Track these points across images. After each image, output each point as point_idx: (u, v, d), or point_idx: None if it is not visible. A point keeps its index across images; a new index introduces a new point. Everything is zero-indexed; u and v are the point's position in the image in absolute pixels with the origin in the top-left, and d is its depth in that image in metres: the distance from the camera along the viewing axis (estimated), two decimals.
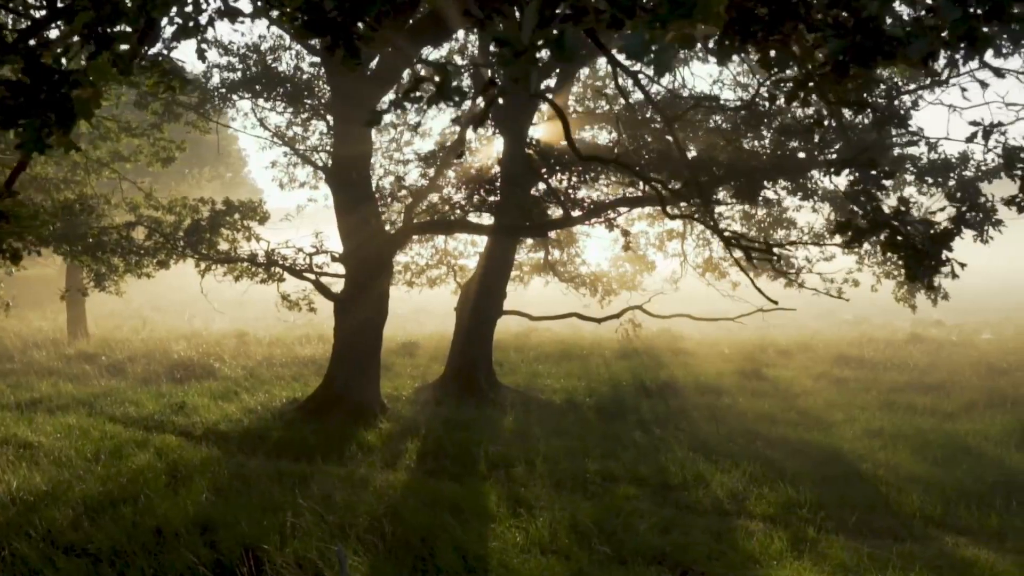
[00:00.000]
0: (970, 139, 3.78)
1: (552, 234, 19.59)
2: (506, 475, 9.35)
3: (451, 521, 7.19)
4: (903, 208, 3.30)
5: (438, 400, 13.57)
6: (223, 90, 13.65)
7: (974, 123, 3.70)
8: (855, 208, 3.64)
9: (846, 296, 14.44)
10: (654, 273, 21.58)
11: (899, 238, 3.25)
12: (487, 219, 13.99)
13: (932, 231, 3.30)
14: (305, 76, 13.27)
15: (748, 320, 23.52)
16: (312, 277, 12.63)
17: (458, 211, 11.86)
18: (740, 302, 17.69)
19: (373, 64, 12.45)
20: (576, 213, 11.98)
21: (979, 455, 10.35)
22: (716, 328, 21.74)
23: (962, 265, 3.52)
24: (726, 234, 7.86)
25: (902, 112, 4.52)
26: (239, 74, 13.51)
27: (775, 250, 11.37)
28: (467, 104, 17.99)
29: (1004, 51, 12.84)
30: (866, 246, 15.73)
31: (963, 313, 29.86)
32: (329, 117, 12.92)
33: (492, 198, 11.16)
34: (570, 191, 11.16)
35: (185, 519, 7.11)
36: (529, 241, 19.70)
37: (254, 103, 13.44)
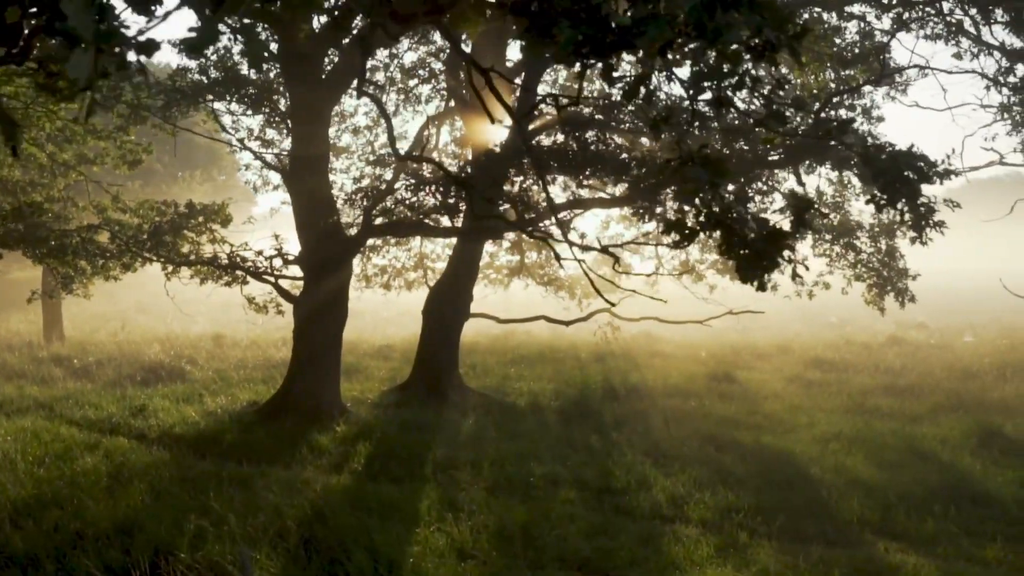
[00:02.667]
0: (824, 136, 3.71)
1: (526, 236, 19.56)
2: (449, 478, 9.32)
3: (376, 524, 7.15)
4: (739, 207, 3.25)
5: (400, 403, 13.53)
6: (189, 93, 13.67)
7: (827, 118, 3.63)
8: (686, 207, 3.59)
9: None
10: (633, 276, 21.52)
11: (734, 238, 3.20)
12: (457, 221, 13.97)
13: (765, 231, 3.23)
14: (268, 80, 13.29)
15: (732, 322, 23.45)
16: (272, 280, 12.62)
17: (418, 213, 11.84)
18: (714, 304, 17.63)
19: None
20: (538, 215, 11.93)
21: (932, 459, 10.26)
22: (697, 331, 21.65)
23: (806, 267, 3.46)
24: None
25: (778, 111, 4.44)
26: (204, 77, 13.53)
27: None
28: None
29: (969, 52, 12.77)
30: (836, 249, 15.67)
31: (951, 314, 29.71)
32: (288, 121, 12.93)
33: (449, 200, 11.14)
34: (526, 193, 11.14)
35: (111, 523, 7.08)
36: (506, 244, 19.69)
37: (213, 106, 13.46)
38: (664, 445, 10.82)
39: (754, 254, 3.14)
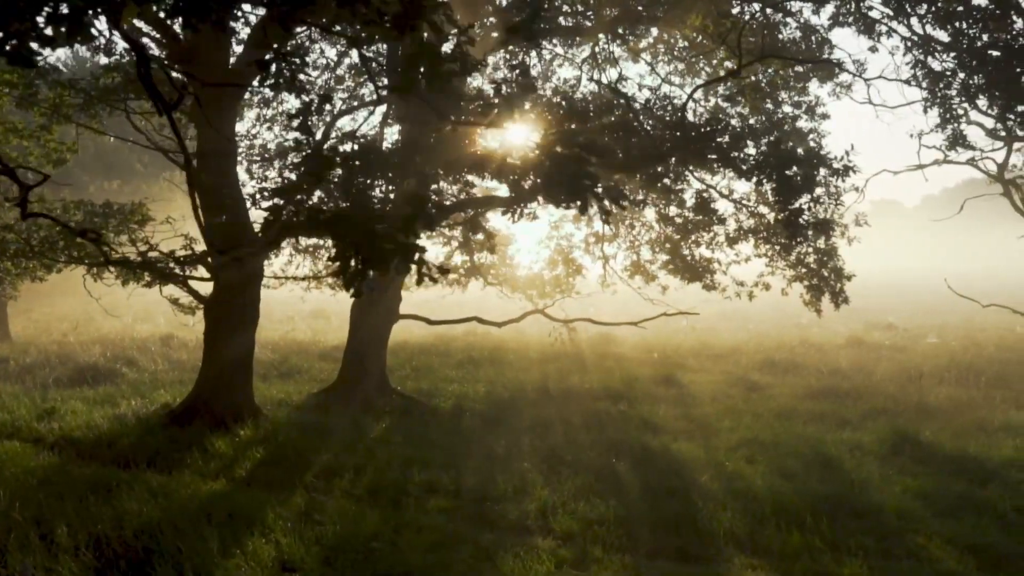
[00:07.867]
0: (495, 119, 3.38)
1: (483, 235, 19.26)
2: (325, 485, 9.07)
3: (207, 534, 6.90)
4: (355, 205, 2.94)
5: (319, 406, 13.31)
6: (106, 92, 13.50)
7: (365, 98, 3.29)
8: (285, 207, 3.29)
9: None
10: (589, 276, 21.21)
11: (341, 241, 2.90)
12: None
13: (367, 233, 2.92)
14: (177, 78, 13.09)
15: (695, 323, 23.01)
16: (180, 280, 12.41)
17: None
18: (662, 305, 17.32)
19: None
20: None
21: (835, 467, 9.89)
22: (655, 332, 21.33)
23: (444, 269, 3.16)
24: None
25: (508, 96, 4.18)
26: (119, 76, 13.36)
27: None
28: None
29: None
30: (776, 248, 15.30)
31: (926, 315, 29.11)
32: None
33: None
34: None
35: None
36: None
37: (129, 105, 13.31)
38: (563, 451, 10.52)
39: (359, 258, 2.86)
